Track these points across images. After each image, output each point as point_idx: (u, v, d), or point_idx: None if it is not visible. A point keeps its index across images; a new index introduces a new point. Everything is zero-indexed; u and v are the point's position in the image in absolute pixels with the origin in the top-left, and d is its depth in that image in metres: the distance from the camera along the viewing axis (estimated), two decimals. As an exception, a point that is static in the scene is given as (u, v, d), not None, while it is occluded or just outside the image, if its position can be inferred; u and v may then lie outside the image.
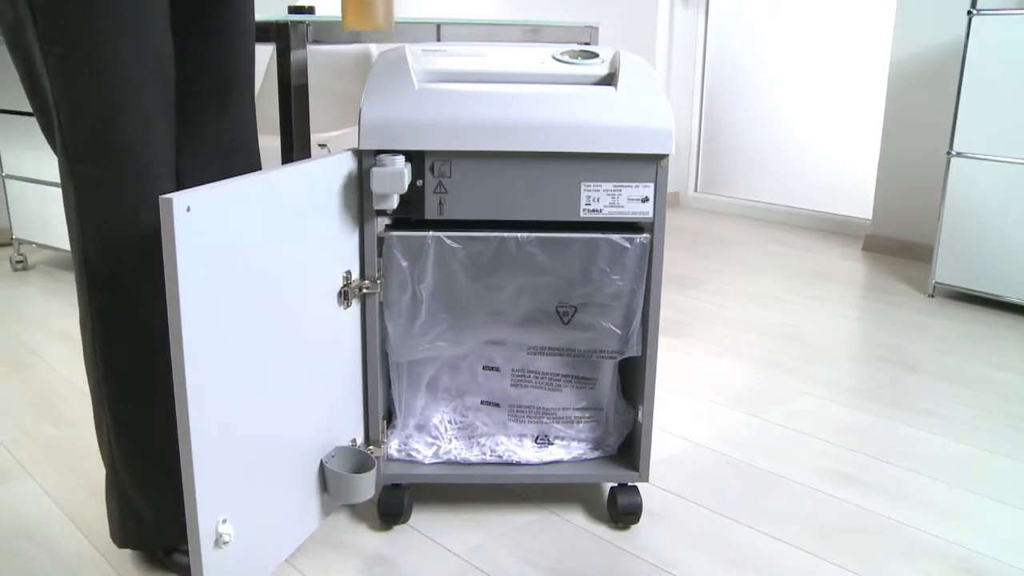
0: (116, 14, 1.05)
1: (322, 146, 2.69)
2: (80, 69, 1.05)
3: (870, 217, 3.29)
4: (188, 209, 0.95)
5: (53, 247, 2.82)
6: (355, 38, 1.74)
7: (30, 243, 2.89)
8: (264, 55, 2.98)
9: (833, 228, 3.57)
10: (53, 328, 2.37)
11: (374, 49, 3.03)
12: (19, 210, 2.88)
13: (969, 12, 2.46)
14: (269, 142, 2.47)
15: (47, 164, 2.73)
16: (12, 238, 2.93)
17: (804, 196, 3.70)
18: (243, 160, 1.32)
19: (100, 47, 1.05)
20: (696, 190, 4.12)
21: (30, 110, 2.72)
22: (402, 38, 1.82)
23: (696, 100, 4.03)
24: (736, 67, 3.91)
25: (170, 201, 0.92)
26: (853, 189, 3.51)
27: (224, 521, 1.07)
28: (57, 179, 2.68)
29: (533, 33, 2.09)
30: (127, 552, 1.32)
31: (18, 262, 2.93)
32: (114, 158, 1.09)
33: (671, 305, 2.57)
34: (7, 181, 2.88)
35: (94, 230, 1.11)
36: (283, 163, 1.41)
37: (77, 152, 1.09)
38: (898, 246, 3.17)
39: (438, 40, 1.90)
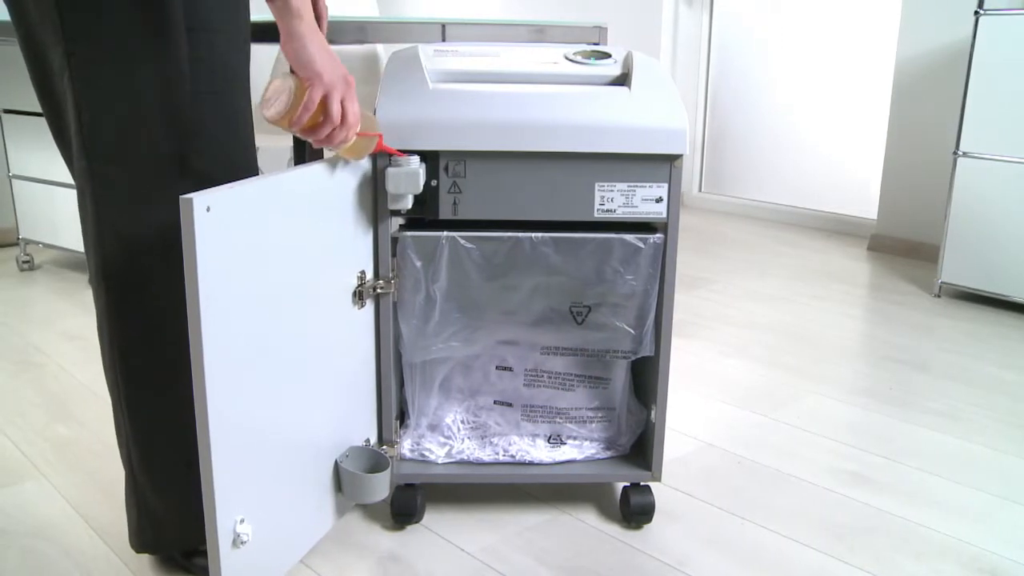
0: (140, 14, 1.05)
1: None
2: (104, 69, 1.06)
3: (875, 217, 3.30)
4: (208, 209, 0.95)
5: (60, 247, 2.82)
6: (362, 37, 1.74)
7: (37, 243, 2.90)
8: (269, 56, 2.98)
9: (838, 228, 3.57)
10: (61, 328, 2.37)
11: (380, 50, 3.03)
12: (26, 210, 2.88)
13: (976, 12, 2.46)
14: (279, 143, 2.47)
15: (54, 164, 2.73)
16: (19, 238, 2.93)
17: (809, 196, 3.70)
18: (240, 158, 1.31)
19: (125, 47, 1.05)
20: (700, 190, 4.12)
21: (37, 110, 2.72)
22: (407, 38, 1.82)
23: (701, 100, 4.04)
24: (740, 67, 3.91)
25: (190, 201, 0.93)
26: (858, 189, 3.51)
27: (242, 521, 1.07)
28: (63, 179, 2.70)
29: (540, 33, 2.09)
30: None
31: (25, 262, 2.94)
32: (137, 158, 1.09)
33: (678, 305, 2.56)
34: (14, 181, 2.88)
35: (113, 231, 1.11)
36: (295, 164, 1.41)
37: (98, 152, 1.09)
38: (904, 246, 3.18)
39: (443, 40, 1.90)
